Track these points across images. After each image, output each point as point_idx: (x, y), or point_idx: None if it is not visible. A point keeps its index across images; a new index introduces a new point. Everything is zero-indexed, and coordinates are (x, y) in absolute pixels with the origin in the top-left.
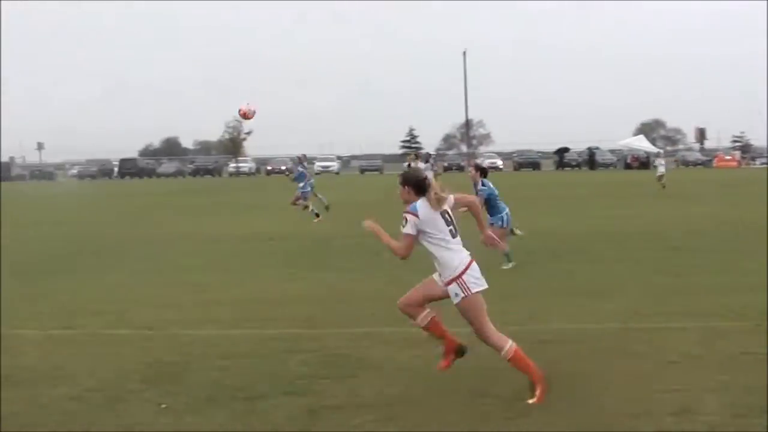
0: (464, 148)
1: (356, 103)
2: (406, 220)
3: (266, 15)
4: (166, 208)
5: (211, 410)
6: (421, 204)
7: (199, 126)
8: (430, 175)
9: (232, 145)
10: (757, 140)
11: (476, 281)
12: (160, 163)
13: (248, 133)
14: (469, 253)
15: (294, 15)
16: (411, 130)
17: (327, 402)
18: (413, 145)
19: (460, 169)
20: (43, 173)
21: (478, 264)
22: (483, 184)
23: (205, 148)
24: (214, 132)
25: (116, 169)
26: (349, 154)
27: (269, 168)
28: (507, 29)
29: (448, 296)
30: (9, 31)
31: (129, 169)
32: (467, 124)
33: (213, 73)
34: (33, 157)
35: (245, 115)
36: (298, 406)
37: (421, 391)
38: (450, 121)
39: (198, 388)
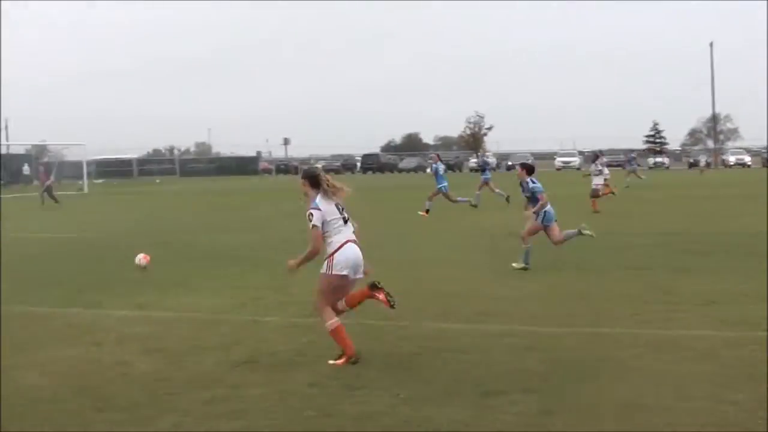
0: (710, 144)
1: (600, 98)
2: (312, 215)
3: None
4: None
5: (448, 403)
6: (319, 199)
7: (439, 122)
8: (598, 179)
9: (473, 141)
10: None
11: (342, 265)
12: (402, 159)
13: (489, 129)
14: (354, 239)
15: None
16: (655, 124)
17: (564, 403)
18: (657, 140)
19: (707, 165)
20: (288, 167)
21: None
22: (533, 182)
23: (445, 143)
24: (455, 128)
25: (359, 164)
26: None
27: (509, 164)
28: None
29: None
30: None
31: (371, 164)
32: (714, 119)
33: (455, 70)
34: (279, 152)
35: None
36: (532, 405)
37: (667, 397)
38: (696, 115)
39: (436, 380)
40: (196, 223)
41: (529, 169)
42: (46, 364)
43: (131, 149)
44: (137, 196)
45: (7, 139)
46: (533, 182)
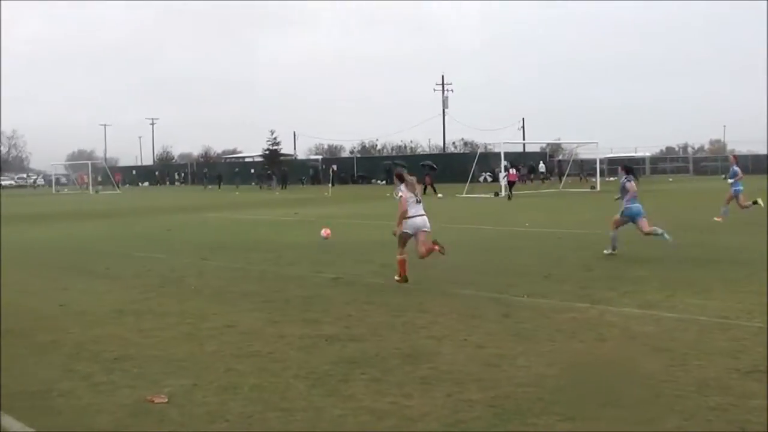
0: None
1: None
2: (400, 194)
3: None
4: None
5: None
6: (403, 188)
7: None
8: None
9: None
10: None
11: (408, 227)
12: None
13: None
14: (421, 213)
15: None
16: None
17: None
18: None
19: None
20: None
21: None
22: (628, 180)
23: None
24: None
25: None
26: None
27: None
28: None
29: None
30: None
31: None
32: None
33: None
34: None
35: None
36: None
37: None
38: None
39: None
40: (704, 221)
41: (628, 170)
42: (551, 354)
43: (643, 147)
44: (649, 194)
45: (524, 138)
46: (628, 180)
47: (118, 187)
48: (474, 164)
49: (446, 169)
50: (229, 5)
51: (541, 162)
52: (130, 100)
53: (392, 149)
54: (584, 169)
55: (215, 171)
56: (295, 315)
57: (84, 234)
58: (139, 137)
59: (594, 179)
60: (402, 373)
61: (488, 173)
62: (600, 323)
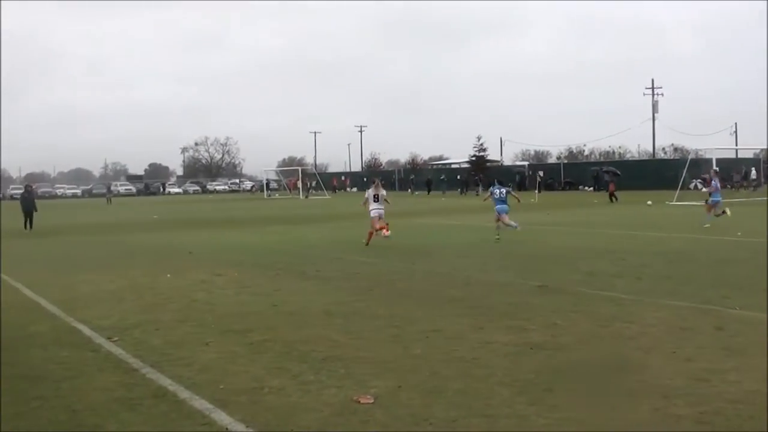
0: None
1: None
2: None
3: None
4: None
5: None
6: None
7: None
8: None
9: None
10: None
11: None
12: None
13: None
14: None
15: None
16: None
17: None
18: None
19: None
20: None
21: None
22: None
23: None
24: None
25: None
26: None
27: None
28: None
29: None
30: None
31: None
32: None
33: None
34: None
35: None
36: None
37: None
38: None
39: None
40: None
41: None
42: (765, 371)
43: None
44: None
45: (736, 144)
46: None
47: (334, 191)
48: (684, 170)
49: (655, 175)
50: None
51: (753, 169)
52: (340, 108)
53: (600, 155)
54: None
55: (422, 177)
56: (500, 321)
57: (295, 237)
58: (348, 144)
59: None
60: (608, 384)
61: (699, 180)
62: None
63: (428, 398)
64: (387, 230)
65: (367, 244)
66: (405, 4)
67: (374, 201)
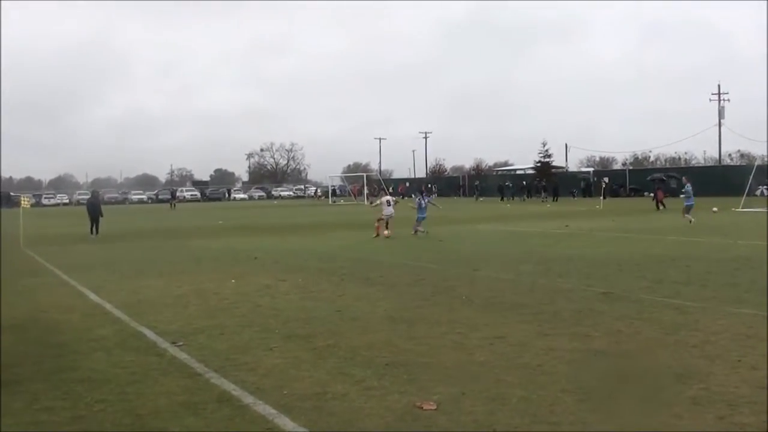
0: None
1: None
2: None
3: None
4: None
5: None
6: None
7: None
8: None
9: None
10: None
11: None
12: None
13: None
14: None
15: None
16: None
17: None
18: None
19: None
20: None
21: None
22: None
23: None
24: None
25: None
26: None
27: None
28: None
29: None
30: None
31: None
32: None
33: None
34: None
35: None
36: None
37: None
38: None
39: None
40: None
41: None
42: None
43: None
44: None
45: None
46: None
47: (402, 197)
48: (750, 177)
49: (721, 181)
50: (504, 18)
51: None
52: (405, 114)
53: (666, 161)
54: None
55: (486, 183)
56: (564, 328)
57: (359, 243)
58: (413, 150)
59: None
60: (672, 392)
61: (765, 186)
62: None
63: (491, 405)
64: (388, 232)
65: (377, 236)
66: (469, 9)
67: (387, 205)
